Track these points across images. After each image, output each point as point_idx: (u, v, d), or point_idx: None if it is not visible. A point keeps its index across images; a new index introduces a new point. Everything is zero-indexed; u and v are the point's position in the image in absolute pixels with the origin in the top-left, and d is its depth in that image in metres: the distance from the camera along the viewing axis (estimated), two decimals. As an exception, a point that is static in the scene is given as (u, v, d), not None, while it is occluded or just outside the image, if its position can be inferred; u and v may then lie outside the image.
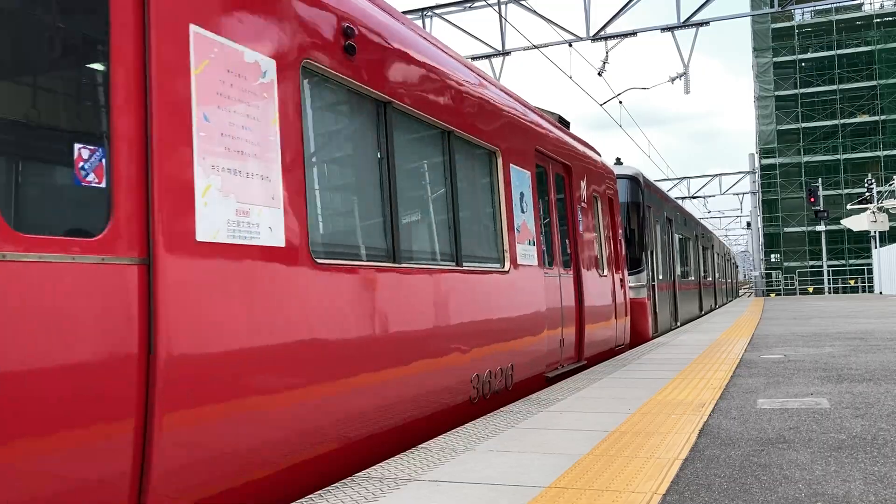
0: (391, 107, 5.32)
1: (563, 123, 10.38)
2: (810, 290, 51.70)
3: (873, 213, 37.90)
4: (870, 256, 47.87)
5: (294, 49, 4.21)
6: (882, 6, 58.58)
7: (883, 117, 57.31)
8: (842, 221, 43.28)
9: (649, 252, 14.70)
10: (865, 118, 58.02)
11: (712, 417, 5.18)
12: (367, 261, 4.82)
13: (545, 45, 18.32)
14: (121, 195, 3.04)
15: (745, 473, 3.67)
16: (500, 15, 17.67)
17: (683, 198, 47.41)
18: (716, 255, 29.80)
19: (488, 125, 6.96)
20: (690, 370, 7.90)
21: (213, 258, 3.44)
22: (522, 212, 7.61)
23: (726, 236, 75.53)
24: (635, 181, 14.50)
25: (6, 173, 3.03)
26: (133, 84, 3.14)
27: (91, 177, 2.99)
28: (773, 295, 50.11)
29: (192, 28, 3.47)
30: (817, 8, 52.43)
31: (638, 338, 13.18)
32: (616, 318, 11.06)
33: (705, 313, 23.51)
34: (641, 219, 14.34)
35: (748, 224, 52.96)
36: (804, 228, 58.47)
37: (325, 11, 4.57)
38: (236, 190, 3.64)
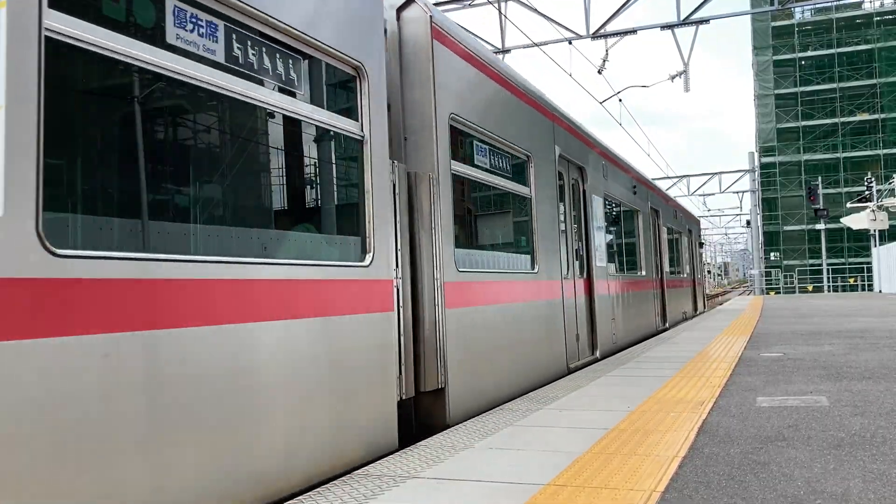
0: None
1: None
2: (810, 288, 51.70)
3: (873, 211, 37.90)
4: (869, 255, 47.84)
5: None
6: (882, 4, 58.53)
7: (883, 116, 57.26)
8: (841, 220, 43.27)
9: None
10: (865, 116, 57.98)
11: (711, 415, 5.18)
12: None
13: (545, 43, 18.30)
14: None
15: (744, 471, 3.68)
16: (500, 12, 17.64)
17: (683, 196, 47.35)
18: (642, 223, 14.61)
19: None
20: (690, 368, 7.91)
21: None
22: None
23: (726, 234, 75.03)
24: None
25: None
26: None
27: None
28: (772, 293, 50.13)
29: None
30: (817, 6, 52.41)
31: None
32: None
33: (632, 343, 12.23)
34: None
35: (748, 222, 52.91)
36: (804, 227, 58.45)
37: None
38: None
